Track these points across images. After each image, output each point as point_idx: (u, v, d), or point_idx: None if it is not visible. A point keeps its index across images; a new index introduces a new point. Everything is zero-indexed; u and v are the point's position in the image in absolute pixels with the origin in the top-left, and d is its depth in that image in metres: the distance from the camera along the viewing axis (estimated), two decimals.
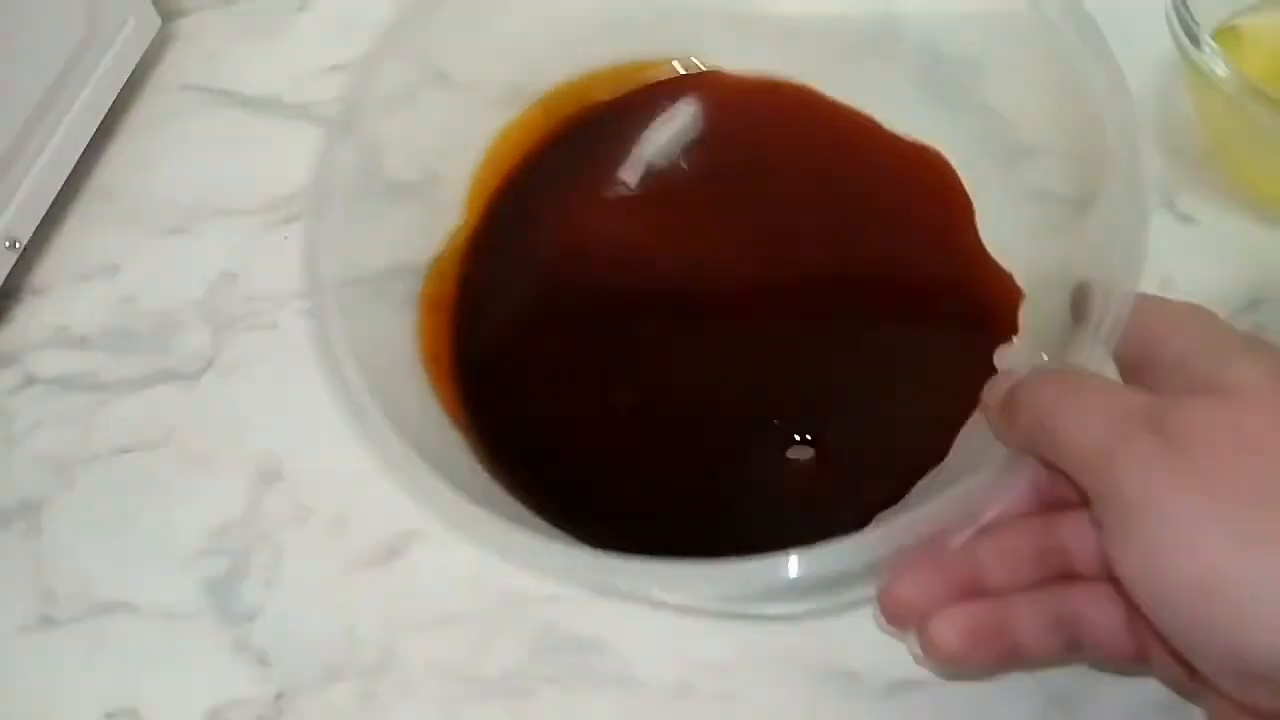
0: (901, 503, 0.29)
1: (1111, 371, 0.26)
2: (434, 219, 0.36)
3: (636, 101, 0.38)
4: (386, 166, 0.34)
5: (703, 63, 0.38)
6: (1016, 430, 0.24)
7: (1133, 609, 0.22)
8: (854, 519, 0.27)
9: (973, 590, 0.25)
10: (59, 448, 0.34)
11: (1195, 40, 0.33)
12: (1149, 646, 0.24)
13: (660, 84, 0.38)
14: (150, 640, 0.31)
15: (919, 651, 0.25)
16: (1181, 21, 0.34)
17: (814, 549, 0.23)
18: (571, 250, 0.35)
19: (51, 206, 0.39)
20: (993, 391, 0.25)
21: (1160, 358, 0.24)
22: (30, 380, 0.36)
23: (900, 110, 0.36)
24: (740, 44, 0.38)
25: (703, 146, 0.37)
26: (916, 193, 0.35)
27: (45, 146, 0.39)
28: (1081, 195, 0.32)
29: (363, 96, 0.32)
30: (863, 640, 0.29)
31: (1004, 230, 0.34)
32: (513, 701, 0.29)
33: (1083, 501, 0.23)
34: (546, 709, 0.29)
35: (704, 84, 0.38)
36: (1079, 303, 0.28)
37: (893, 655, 0.29)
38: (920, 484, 0.29)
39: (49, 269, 0.39)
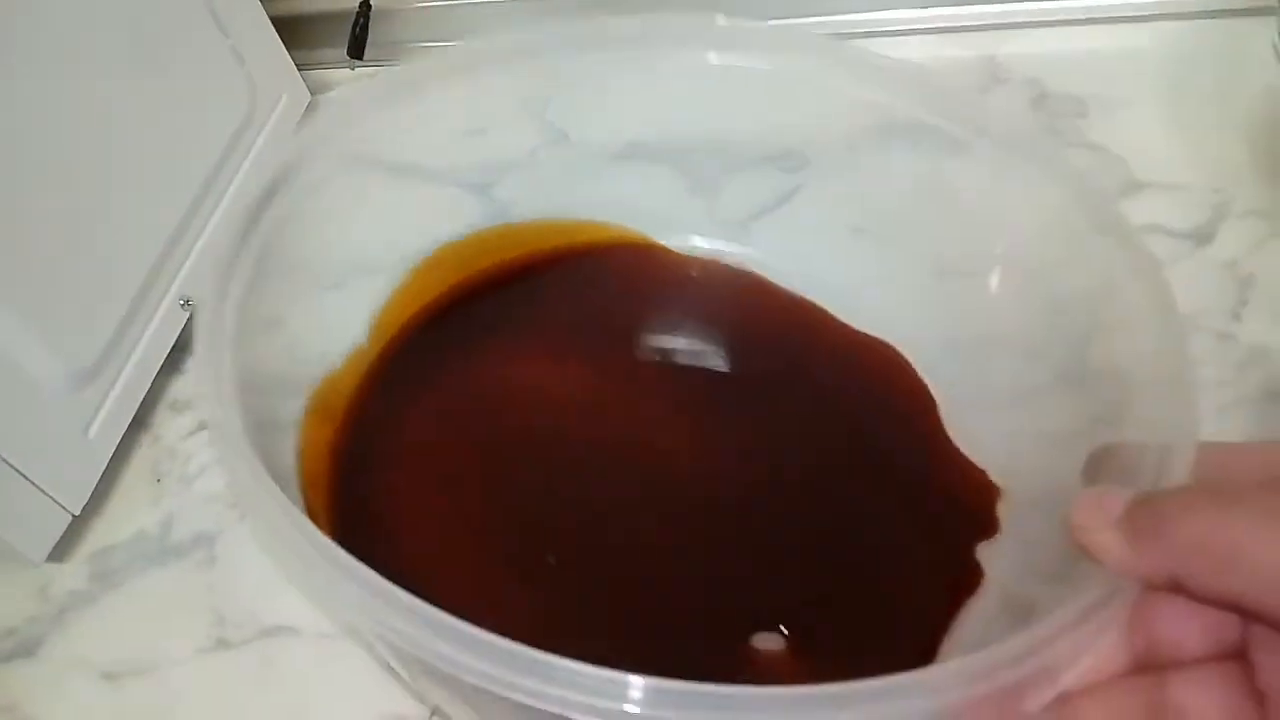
0: None
1: None
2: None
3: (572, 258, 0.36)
4: None
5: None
6: (1164, 547, 0.20)
7: None
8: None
9: None
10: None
11: None
12: None
13: (593, 247, 0.37)
14: (314, 660, 0.33)
15: None
16: None
17: (869, 683, 0.19)
18: (493, 401, 0.33)
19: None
20: (1098, 509, 0.21)
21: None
22: (203, 424, 0.40)
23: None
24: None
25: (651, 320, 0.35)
26: (876, 384, 0.33)
27: (214, 212, 0.43)
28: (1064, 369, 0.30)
29: None
30: None
31: (973, 419, 0.32)
32: None
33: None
34: None
35: (642, 256, 0.37)
36: (1110, 473, 0.25)
37: None
38: None
39: None
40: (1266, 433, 0.33)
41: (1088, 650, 0.21)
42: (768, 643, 0.28)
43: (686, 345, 0.36)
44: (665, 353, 0.35)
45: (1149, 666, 0.22)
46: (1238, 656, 0.21)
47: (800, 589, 0.29)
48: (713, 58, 0.34)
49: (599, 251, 0.37)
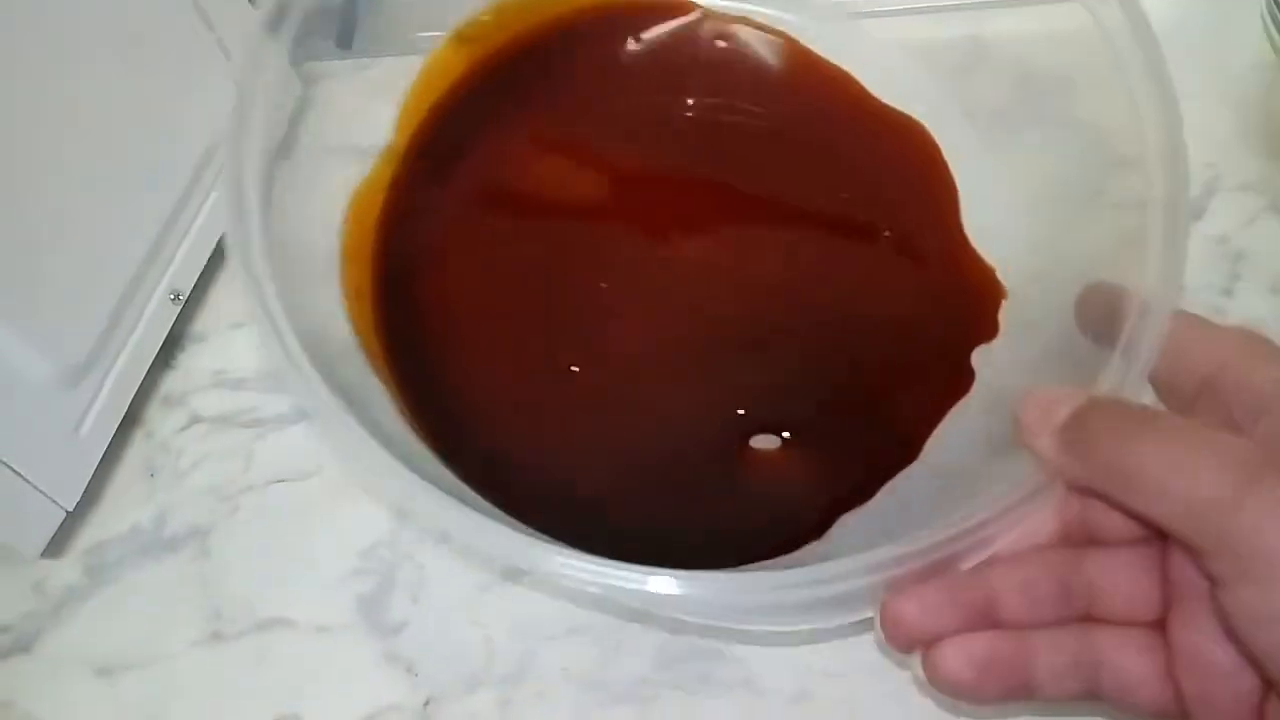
0: (870, 502, 0.28)
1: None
2: None
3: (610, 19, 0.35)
4: None
5: None
6: (1086, 464, 0.22)
7: (1169, 658, 0.22)
8: (818, 515, 0.26)
9: (985, 619, 0.23)
10: (222, 480, 0.38)
11: None
12: (1186, 699, 0.23)
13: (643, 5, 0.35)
14: (308, 652, 0.33)
15: (921, 676, 0.24)
16: (1275, 21, 0.34)
17: (819, 567, 0.22)
18: (524, 194, 0.33)
19: (208, 260, 0.43)
20: (1043, 415, 0.23)
21: (1226, 391, 0.23)
22: (195, 419, 0.40)
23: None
24: None
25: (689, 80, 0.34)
26: (901, 169, 0.33)
27: (202, 207, 0.43)
28: (1089, 189, 0.30)
29: None
30: None
31: (991, 214, 0.32)
32: (640, 706, 0.31)
33: (1129, 538, 0.23)
34: (671, 713, 0.31)
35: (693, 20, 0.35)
36: (1093, 312, 0.27)
37: None
38: (889, 484, 0.28)
39: (207, 318, 0.43)
40: None
41: (1020, 523, 0.23)
42: (765, 443, 0.29)
43: (719, 116, 0.34)
44: (695, 128, 0.34)
45: (1074, 540, 0.24)
46: (1158, 542, 0.23)
47: (801, 389, 0.30)
48: None
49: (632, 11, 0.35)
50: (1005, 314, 0.30)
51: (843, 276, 0.31)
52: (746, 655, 0.31)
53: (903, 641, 0.24)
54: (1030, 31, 0.37)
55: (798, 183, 0.33)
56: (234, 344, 0.42)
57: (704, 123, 0.34)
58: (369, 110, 0.47)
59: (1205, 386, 0.23)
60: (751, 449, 0.29)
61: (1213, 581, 0.21)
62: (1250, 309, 0.36)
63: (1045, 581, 0.24)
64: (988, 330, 0.29)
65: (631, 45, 0.35)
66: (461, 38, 0.35)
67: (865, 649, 0.31)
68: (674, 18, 0.36)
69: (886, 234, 0.31)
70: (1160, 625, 0.23)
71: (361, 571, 0.35)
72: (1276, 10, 0.34)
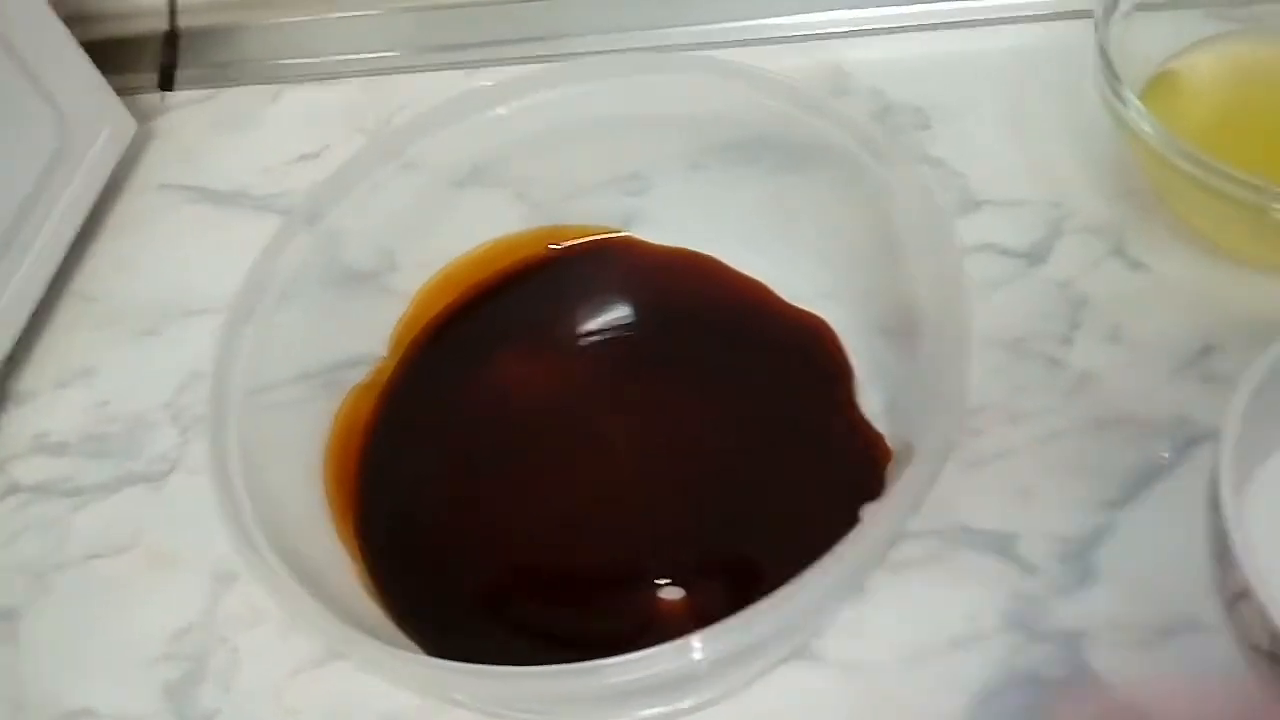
0: None
1: None
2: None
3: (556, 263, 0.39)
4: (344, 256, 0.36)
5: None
6: None
7: None
8: None
9: None
10: (38, 555, 0.36)
11: (1121, 98, 0.33)
12: None
13: (583, 245, 0.40)
14: None
15: None
16: (1107, 79, 0.33)
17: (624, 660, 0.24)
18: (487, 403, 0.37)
19: (35, 313, 0.41)
20: None
21: None
22: (14, 488, 0.38)
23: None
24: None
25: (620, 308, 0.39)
26: (803, 357, 0.36)
27: (23, 259, 0.41)
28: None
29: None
30: None
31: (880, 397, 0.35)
32: None
33: None
34: None
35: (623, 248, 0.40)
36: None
37: None
38: None
39: (32, 375, 0.41)
40: (1093, 463, 0.33)
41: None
42: (671, 593, 0.31)
43: (633, 329, 0.39)
44: (615, 339, 0.38)
45: None
46: None
47: (706, 545, 0.33)
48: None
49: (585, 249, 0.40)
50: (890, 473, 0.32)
51: (748, 452, 0.35)
52: None
53: None
54: None
55: (711, 372, 0.37)
56: (57, 405, 0.40)
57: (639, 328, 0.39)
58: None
59: None
60: (660, 599, 0.32)
61: None
62: (1088, 359, 0.35)
63: None
64: (876, 489, 0.30)
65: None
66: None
67: None
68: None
69: (792, 416, 0.35)
70: None
71: (171, 657, 0.33)
72: (1107, 69, 0.33)
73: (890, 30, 0.45)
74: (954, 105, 0.43)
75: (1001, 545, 0.32)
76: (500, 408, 0.36)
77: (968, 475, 0.33)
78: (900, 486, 0.26)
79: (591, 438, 0.35)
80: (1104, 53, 0.33)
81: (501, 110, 0.37)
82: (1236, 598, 0.25)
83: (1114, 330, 0.36)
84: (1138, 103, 0.32)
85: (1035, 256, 0.38)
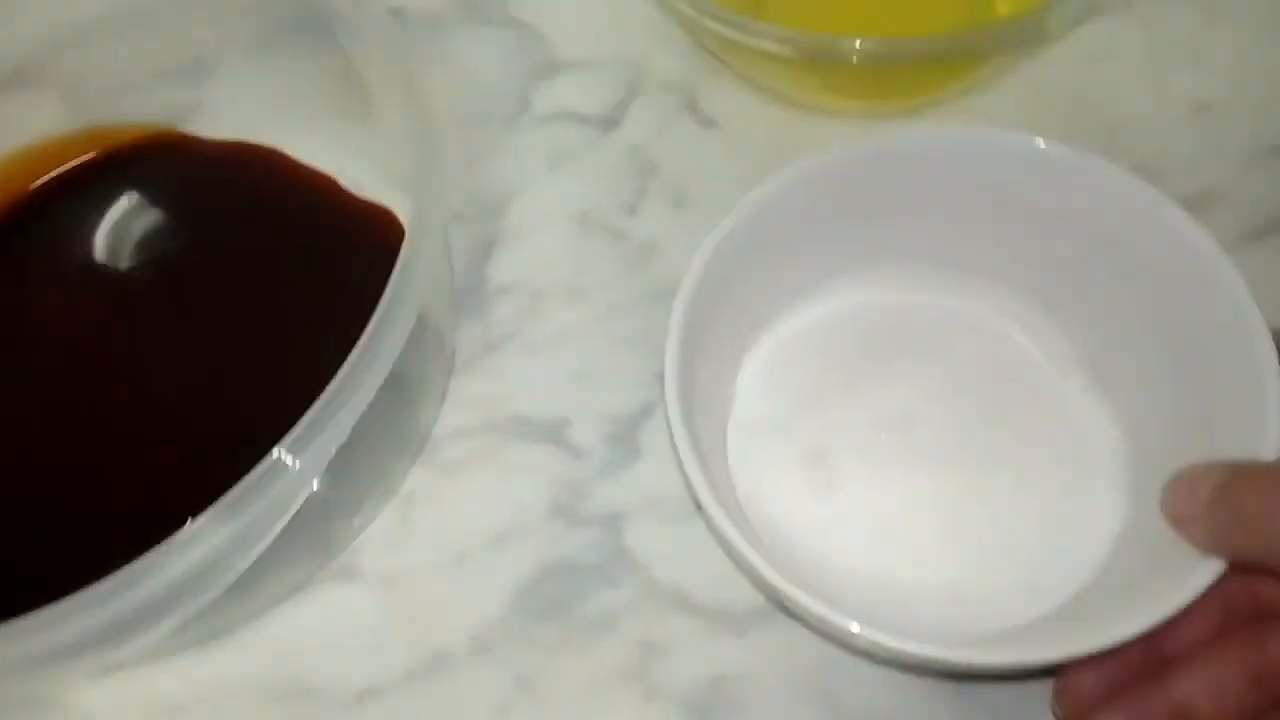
0: None
1: None
2: None
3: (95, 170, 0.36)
4: None
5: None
6: (1241, 539, 0.21)
7: None
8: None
9: None
10: None
11: None
12: None
13: (122, 149, 0.36)
14: None
15: None
16: None
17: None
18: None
19: None
20: (1188, 497, 0.23)
21: None
22: None
23: None
24: None
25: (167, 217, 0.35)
26: (368, 253, 0.33)
27: None
28: None
29: None
30: (322, 653, 0.28)
31: None
32: None
33: None
34: None
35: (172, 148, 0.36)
36: None
37: (353, 666, 0.28)
38: None
39: None
40: (647, 337, 0.32)
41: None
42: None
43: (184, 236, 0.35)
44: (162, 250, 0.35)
45: (1241, 615, 0.23)
46: None
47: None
48: None
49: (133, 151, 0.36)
50: None
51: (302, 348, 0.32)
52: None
53: None
54: None
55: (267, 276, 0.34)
56: None
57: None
58: None
59: None
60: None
61: None
62: (652, 229, 0.34)
63: (1233, 677, 0.22)
64: None
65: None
66: None
67: (204, 670, 0.28)
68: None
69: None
70: None
71: None
72: None
73: None
74: None
75: (553, 432, 0.31)
76: (33, 334, 0.33)
77: (525, 363, 0.32)
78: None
79: (132, 360, 0.32)
80: None
81: None
82: None
83: (680, 195, 0.34)
84: None
85: (610, 121, 0.36)
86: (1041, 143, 0.25)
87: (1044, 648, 0.22)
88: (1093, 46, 0.35)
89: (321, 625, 0.28)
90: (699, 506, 0.24)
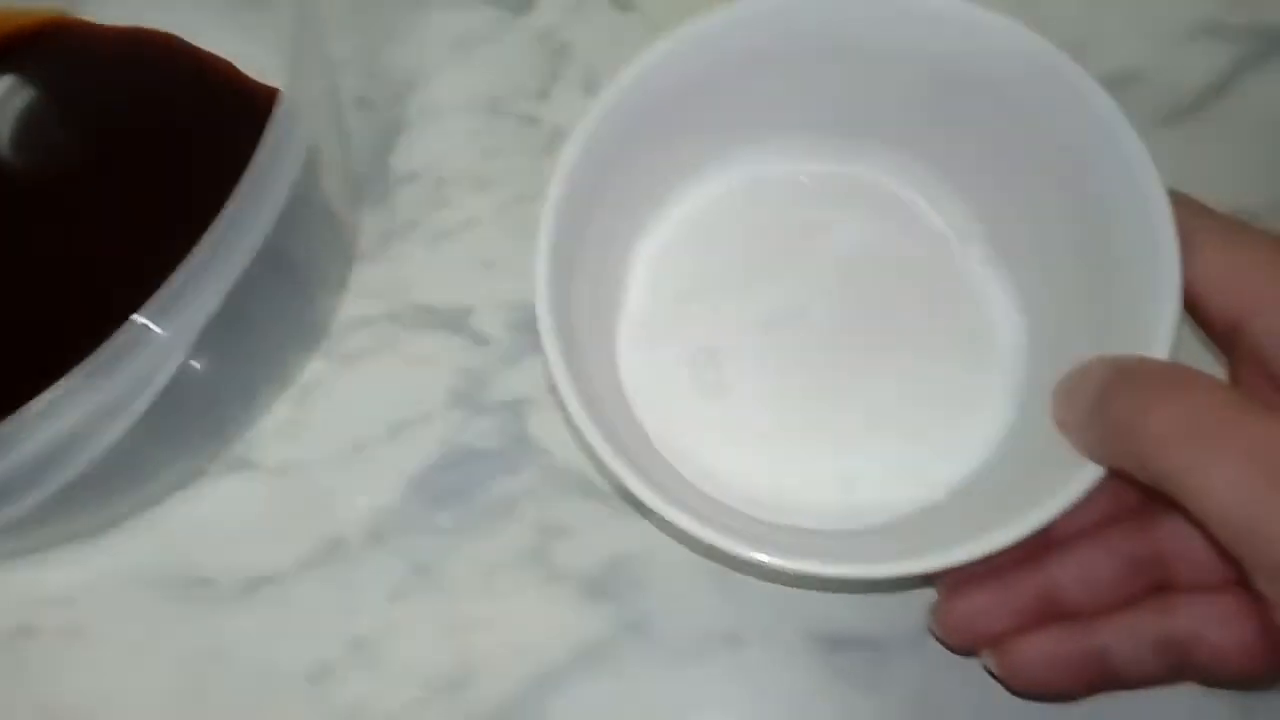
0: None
1: None
2: None
3: None
4: None
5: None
6: (1115, 455, 0.20)
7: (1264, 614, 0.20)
8: None
9: (1051, 610, 0.22)
10: None
11: None
12: None
13: (13, 34, 0.34)
14: None
15: (993, 668, 0.23)
16: None
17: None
18: None
19: None
20: (1076, 394, 0.21)
21: (1260, 344, 0.20)
22: None
23: None
24: None
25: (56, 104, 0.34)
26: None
27: None
28: None
29: None
30: (214, 543, 0.27)
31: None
32: None
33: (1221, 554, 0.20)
34: None
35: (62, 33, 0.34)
36: None
37: (246, 556, 0.27)
38: None
39: None
40: None
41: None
42: None
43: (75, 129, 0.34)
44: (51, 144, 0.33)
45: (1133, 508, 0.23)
46: None
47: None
48: None
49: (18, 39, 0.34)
50: None
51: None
52: None
53: (968, 642, 0.23)
54: None
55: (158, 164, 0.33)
56: None
57: None
58: None
59: (1237, 331, 0.21)
60: None
61: (1261, 599, 0.18)
62: (562, 115, 0.33)
63: (1107, 563, 0.22)
64: None
65: None
66: None
67: (95, 562, 0.27)
68: None
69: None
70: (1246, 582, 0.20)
71: None
72: None
73: None
74: None
75: (456, 321, 0.30)
76: None
77: (429, 252, 0.31)
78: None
79: (18, 253, 0.31)
80: None
81: None
82: None
83: (594, 80, 0.33)
84: None
85: (521, 4, 0.35)
86: (949, 2, 0.24)
87: (912, 559, 0.21)
88: None
89: (214, 516, 0.28)
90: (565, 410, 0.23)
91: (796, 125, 0.28)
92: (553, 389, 0.23)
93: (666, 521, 0.21)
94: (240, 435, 0.28)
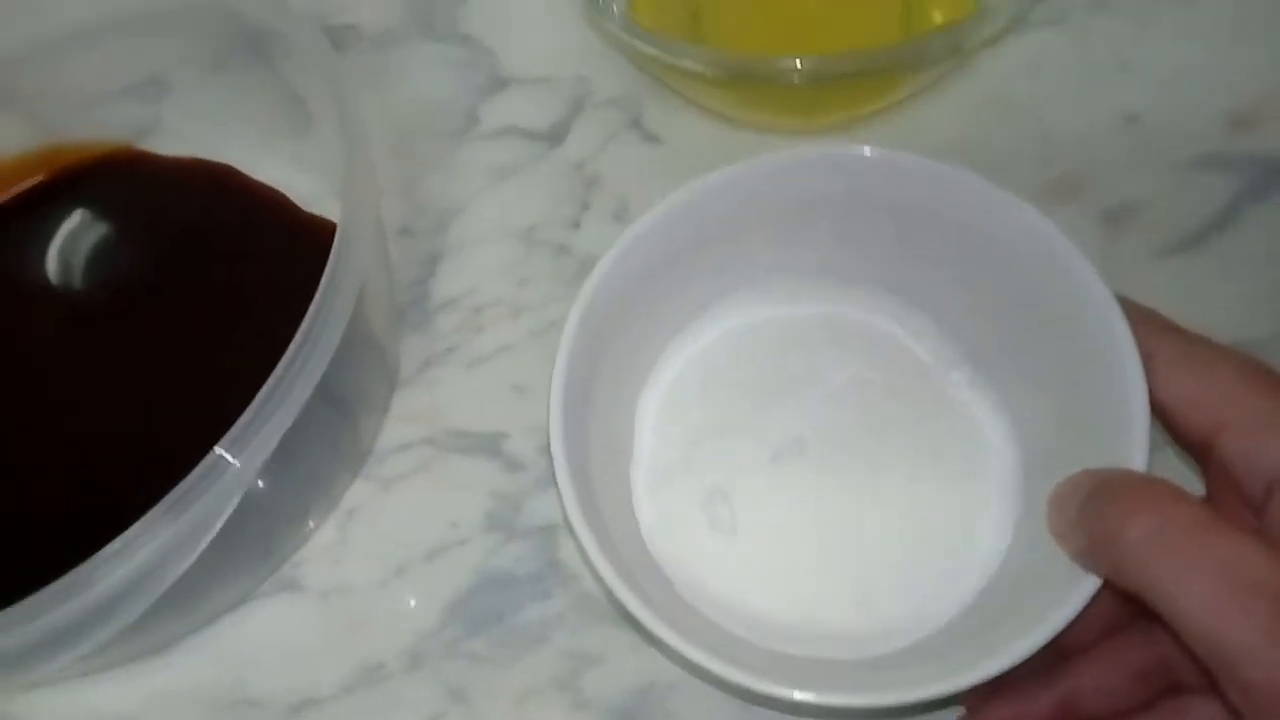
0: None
1: None
2: None
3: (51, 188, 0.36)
4: None
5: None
6: (1098, 564, 0.21)
7: None
8: None
9: (1072, 718, 0.23)
10: None
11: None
12: None
13: (78, 167, 0.36)
14: None
15: None
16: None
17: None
18: None
19: None
20: (1064, 504, 0.22)
21: (1230, 460, 0.21)
22: None
23: None
24: None
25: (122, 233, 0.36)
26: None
27: None
28: None
29: None
30: (263, 665, 0.28)
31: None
32: None
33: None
34: None
35: (128, 165, 0.37)
36: None
37: (292, 678, 0.28)
38: None
39: None
40: None
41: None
42: None
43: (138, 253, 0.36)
44: (117, 266, 0.36)
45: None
46: None
47: None
48: None
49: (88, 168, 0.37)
50: None
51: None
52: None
53: None
54: None
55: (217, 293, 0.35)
56: None
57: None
58: None
59: (1207, 447, 0.22)
60: None
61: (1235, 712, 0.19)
62: (593, 243, 0.34)
63: (1119, 675, 0.23)
64: None
65: None
66: None
67: (148, 681, 0.29)
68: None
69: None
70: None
71: None
72: None
73: None
74: None
75: (491, 446, 0.31)
76: None
77: (465, 377, 0.33)
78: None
79: (80, 377, 0.33)
80: None
81: None
82: None
83: (623, 209, 0.35)
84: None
85: (555, 137, 0.37)
86: (894, 155, 0.26)
87: (937, 681, 0.22)
88: (1027, 59, 0.36)
89: (262, 638, 0.29)
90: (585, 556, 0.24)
91: (780, 273, 0.29)
92: (570, 529, 0.25)
93: (689, 661, 0.22)
94: (289, 558, 0.30)
